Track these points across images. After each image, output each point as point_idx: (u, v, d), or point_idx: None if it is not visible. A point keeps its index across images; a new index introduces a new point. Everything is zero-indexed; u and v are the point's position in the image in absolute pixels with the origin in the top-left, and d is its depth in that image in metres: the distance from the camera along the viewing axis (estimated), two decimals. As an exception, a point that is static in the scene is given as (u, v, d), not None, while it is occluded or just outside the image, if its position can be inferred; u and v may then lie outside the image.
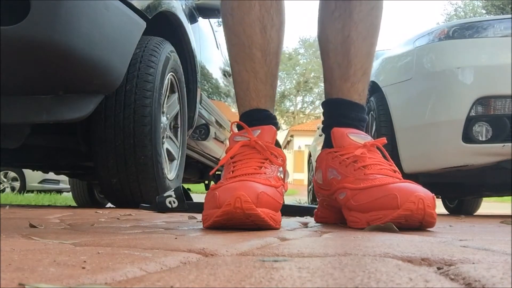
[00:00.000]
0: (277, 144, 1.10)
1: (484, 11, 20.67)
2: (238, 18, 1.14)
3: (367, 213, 0.94)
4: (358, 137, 1.08)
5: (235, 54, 1.17)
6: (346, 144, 1.08)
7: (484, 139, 2.33)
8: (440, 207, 4.47)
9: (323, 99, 1.22)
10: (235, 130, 1.12)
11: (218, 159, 3.80)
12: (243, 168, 0.98)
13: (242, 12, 1.14)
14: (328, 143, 1.15)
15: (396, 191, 0.90)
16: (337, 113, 1.17)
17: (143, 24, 1.92)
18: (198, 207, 1.69)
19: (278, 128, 1.14)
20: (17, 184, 9.10)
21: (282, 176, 1.04)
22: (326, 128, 1.17)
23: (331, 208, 1.14)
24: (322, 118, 1.23)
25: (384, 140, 1.10)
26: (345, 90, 1.16)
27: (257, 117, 1.12)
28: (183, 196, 1.83)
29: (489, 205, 6.32)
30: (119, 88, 1.92)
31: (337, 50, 1.17)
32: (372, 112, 2.89)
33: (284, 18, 1.20)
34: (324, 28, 1.20)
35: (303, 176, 22.63)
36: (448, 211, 4.84)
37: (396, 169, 1.03)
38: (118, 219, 1.32)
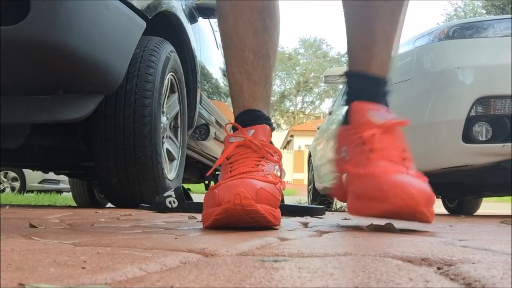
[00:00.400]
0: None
1: (484, 11, 20.67)
2: (231, 21, 1.15)
3: (358, 201, 0.93)
4: (377, 115, 1.02)
5: (229, 57, 1.17)
6: (362, 122, 1.02)
7: (484, 139, 2.33)
8: (440, 207, 4.47)
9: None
10: (230, 132, 1.12)
11: (218, 159, 3.79)
12: (240, 167, 0.98)
13: (235, 15, 1.14)
14: (346, 119, 1.11)
15: (386, 185, 0.88)
16: (357, 88, 1.12)
17: (143, 24, 1.92)
18: (198, 207, 1.69)
19: (273, 128, 1.14)
20: (17, 184, 9.10)
21: (278, 173, 1.04)
22: (346, 103, 1.13)
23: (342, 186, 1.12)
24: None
25: (406, 121, 1.02)
26: (365, 61, 1.10)
27: (250, 117, 1.12)
28: (183, 196, 1.83)
29: (489, 205, 6.32)
30: (119, 88, 1.92)
31: (357, 15, 1.12)
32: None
33: (277, 20, 1.19)
34: None
35: (303, 176, 22.64)
36: (448, 211, 4.84)
37: (407, 156, 0.98)
38: (118, 219, 1.32)
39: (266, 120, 1.13)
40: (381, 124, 1.00)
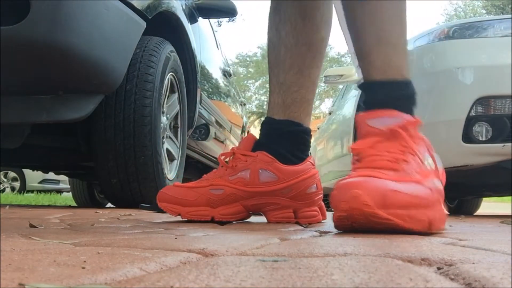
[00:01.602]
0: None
1: (484, 11, 20.67)
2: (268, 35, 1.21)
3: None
4: (378, 122, 0.93)
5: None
6: (363, 133, 0.94)
7: (484, 139, 2.33)
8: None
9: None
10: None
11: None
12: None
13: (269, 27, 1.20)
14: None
15: (337, 189, 0.81)
16: (363, 99, 1.03)
17: (143, 24, 1.92)
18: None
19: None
20: (17, 184, 9.10)
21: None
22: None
23: None
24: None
25: (416, 120, 0.95)
26: (364, 70, 1.02)
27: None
28: (183, 196, 1.82)
29: (489, 205, 6.32)
30: (119, 88, 1.92)
31: (347, 23, 1.05)
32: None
33: (314, 23, 1.16)
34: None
35: (303, 176, 22.55)
36: (448, 211, 4.83)
37: (408, 158, 0.90)
38: (118, 219, 1.32)
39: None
40: (381, 131, 0.91)
